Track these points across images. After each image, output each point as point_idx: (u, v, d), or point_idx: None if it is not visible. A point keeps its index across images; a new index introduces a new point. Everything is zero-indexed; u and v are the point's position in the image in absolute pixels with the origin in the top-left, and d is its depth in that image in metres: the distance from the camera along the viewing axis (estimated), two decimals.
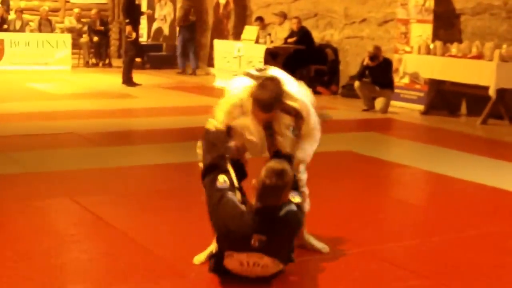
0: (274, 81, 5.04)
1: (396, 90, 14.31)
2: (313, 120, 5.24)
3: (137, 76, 17.55)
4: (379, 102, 13.94)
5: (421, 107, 14.15)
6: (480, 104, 13.07)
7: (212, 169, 4.79)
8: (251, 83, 5.13)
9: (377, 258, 5.45)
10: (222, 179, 4.75)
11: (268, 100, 4.95)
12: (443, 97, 14.18)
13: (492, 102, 12.64)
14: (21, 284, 4.75)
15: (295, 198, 4.83)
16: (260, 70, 5.39)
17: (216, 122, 5.14)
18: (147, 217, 6.46)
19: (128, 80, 17.07)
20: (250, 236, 4.58)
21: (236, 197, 4.76)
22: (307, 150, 5.23)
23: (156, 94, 16.07)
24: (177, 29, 21.87)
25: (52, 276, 4.93)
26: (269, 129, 5.16)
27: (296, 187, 4.96)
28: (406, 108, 14.35)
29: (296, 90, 5.20)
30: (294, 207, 4.76)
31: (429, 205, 7.59)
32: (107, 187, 7.54)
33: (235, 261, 4.68)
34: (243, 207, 4.71)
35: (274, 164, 4.71)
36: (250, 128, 5.14)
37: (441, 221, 6.68)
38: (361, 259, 5.38)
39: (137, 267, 5.14)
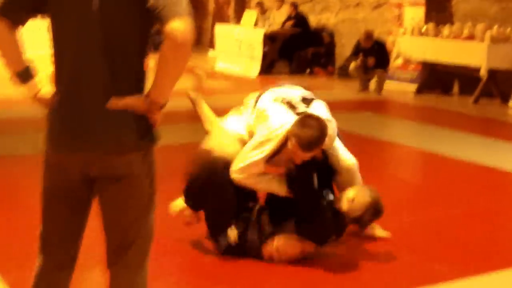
0: (318, 120, 4.63)
1: (390, 71, 14.18)
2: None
3: None
4: (373, 83, 13.81)
5: (414, 87, 13.99)
6: (472, 83, 12.92)
7: None
8: (291, 121, 4.68)
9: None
10: None
11: (311, 140, 4.55)
12: (436, 77, 14.02)
13: (483, 82, 12.50)
14: (32, 254, 4.63)
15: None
16: (304, 100, 4.92)
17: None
18: None
19: None
20: None
21: None
22: None
23: None
24: None
25: None
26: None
27: None
28: (400, 88, 14.20)
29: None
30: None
31: (423, 183, 7.48)
32: None
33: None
34: None
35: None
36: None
37: (434, 198, 6.59)
38: (355, 234, 5.26)
39: None
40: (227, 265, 4.77)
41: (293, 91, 5.06)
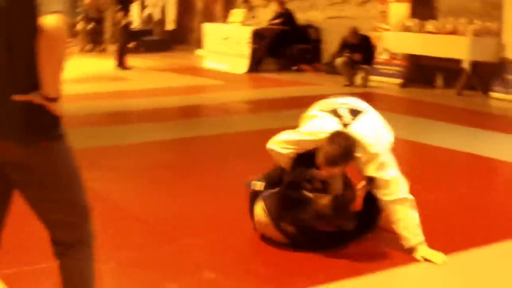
0: (348, 140, 4.68)
1: (376, 66, 14.36)
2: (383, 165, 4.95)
3: (130, 60, 17.49)
4: (359, 78, 14.00)
5: (399, 81, 14.20)
6: (455, 76, 13.13)
7: None
8: (332, 128, 4.79)
9: None
10: None
11: (333, 157, 4.63)
12: (421, 71, 14.23)
13: (466, 75, 12.73)
14: (29, 250, 4.76)
15: None
16: (353, 112, 4.94)
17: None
18: (140, 190, 6.49)
19: (121, 64, 17.05)
20: None
21: None
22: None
23: (148, 76, 16.04)
24: None
25: None
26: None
27: None
28: (385, 82, 14.37)
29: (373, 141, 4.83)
30: None
31: (409, 170, 7.62)
32: (102, 164, 7.51)
33: None
34: None
35: None
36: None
37: (421, 183, 6.71)
38: None
39: (133, 237, 5.16)
40: (238, 249, 4.90)
41: (343, 100, 5.13)
